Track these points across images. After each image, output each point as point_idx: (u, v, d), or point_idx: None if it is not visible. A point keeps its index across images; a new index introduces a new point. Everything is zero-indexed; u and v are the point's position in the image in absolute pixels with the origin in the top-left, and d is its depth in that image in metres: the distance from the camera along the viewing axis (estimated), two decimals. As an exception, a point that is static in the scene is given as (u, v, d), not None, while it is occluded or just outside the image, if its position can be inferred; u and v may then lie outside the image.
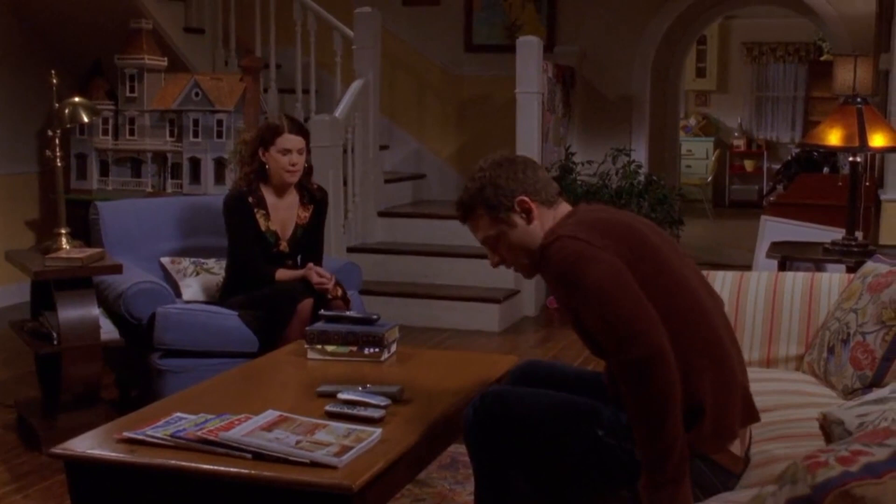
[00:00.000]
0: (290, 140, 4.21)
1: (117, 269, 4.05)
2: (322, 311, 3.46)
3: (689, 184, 12.59)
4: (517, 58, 6.46)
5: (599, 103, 7.63)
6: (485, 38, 7.72)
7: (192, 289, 4.55)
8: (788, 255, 3.88)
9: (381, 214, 6.98)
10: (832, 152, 5.73)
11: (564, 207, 2.56)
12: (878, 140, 3.60)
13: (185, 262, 4.64)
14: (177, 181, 6.38)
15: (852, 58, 6.22)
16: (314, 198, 4.40)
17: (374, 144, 6.93)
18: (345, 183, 6.52)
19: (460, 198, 2.59)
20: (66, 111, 4.04)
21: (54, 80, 4.18)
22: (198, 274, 4.61)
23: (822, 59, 12.91)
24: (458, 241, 6.68)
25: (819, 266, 5.40)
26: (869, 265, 3.23)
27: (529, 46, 6.47)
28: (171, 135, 6.41)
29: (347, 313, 3.45)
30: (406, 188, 7.61)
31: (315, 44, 7.00)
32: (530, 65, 6.45)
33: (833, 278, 3.40)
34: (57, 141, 4.14)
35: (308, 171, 4.40)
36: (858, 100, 3.71)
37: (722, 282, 3.49)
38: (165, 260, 4.65)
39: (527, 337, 6.06)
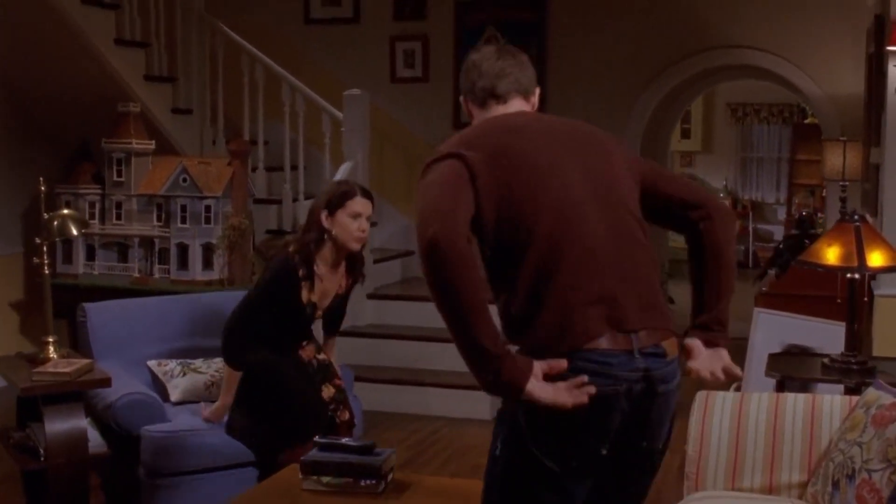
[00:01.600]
0: (362, 204, 3.99)
1: (106, 382, 3.97)
2: (317, 438, 3.39)
3: (676, 246, 12.59)
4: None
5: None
6: None
7: (179, 390, 4.49)
8: (788, 375, 3.84)
9: (371, 296, 6.92)
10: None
11: (490, 113, 2.57)
12: (876, 259, 3.58)
13: (172, 364, 4.57)
14: (164, 266, 6.32)
15: (841, 143, 6.24)
16: (356, 266, 4.21)
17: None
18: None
19: None
20: (55, 223, 3.99)
21: (42, 188, 4.12)
22: (185, 374, 4.54)
23: (806, 121, 13.00)
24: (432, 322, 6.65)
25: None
26: (871, 393, 3.19)
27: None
28: (159, 219, 6.35)
29: (344, 440, 3.39)
30: (395, 265, 7.57)
31: (304, 123, 6.98)
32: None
33: (834, 401, 3.35)
34: (45, 249, 4.08)
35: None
36: (856, 217, 3.70)
37: (722, 403, 3.44)
38: (152, 363, 4.58)
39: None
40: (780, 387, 3.85)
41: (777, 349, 5.40)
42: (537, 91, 2.68)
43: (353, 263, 4.17)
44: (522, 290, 2.36)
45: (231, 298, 5.11)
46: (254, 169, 7.00)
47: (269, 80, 7.07)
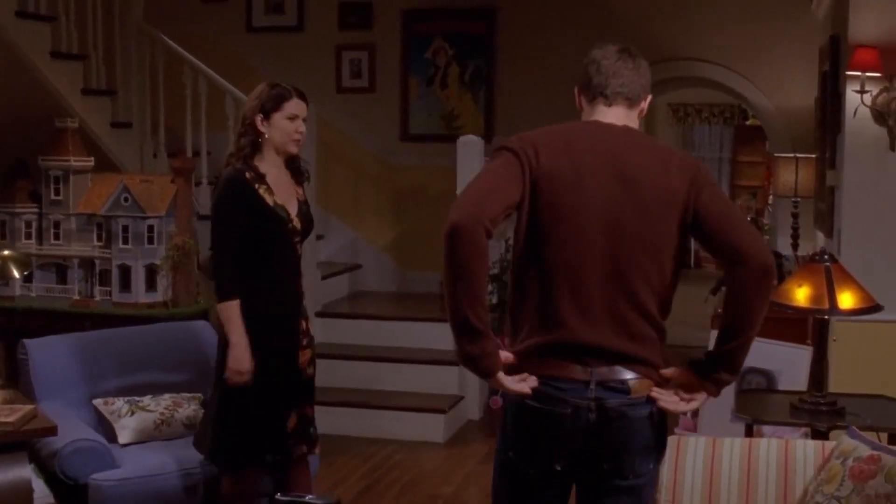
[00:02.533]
0: (297, 105, 3.79)
1: (52, 430, 3.78)
2: (279, 496, 3.24)
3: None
4: (458, 158, 6.34)
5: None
6: (421, 128, 7.60)
7: (127, 430, 4.31)
8: (758, 419, 3.78)
9: (320, 314, 6.77)
10: (779, 262, 5.69)
11: (594, 111, 2.77)
12: (846, 301, 3.54)
13: (119, 403, 4.39)
14: (105, 288, 6.09)
15: (794, 159, 6.23)
16: (302, 177, 3.99)
17: (311, 241, 6.72)
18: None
19: None
20: (-5, 266, 3.79)
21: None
22: (133, 413, 4.36)
23: (747, 123, 13.09)
24: (400, 342, 6.55)
25: (771, 384, 5.34)
26: (847, 442, 3.14)
27: (471, 146, 6.36)
28: (99, 239, 6.11)
29: (307, 498, 3.24)
30: (343, 280, 7.43)
31: (248, 138, 6.80)
32: (472, 165, 6.32)
33: (808, 448, 3.30)
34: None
35: None
36: (826, 257, 3.64)
37: (694, 449, 3.37)
38: (98, 402, 4.40)
39: (474, 449, 5.89)
40: (750, 430, 3.78)
41: (735, 372, 5.39)
42: (648, 98, 2.82)
43: (294, 168, 3.95)
44: (518, 297, 2.69)
45: (178, 329, 5.00)
46: (197, 183, 6.79)
47: (212, 89, 6.88)
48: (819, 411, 3.65)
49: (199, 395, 4.62)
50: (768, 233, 9.16)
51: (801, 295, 3.60)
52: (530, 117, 7.39)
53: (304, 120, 3.84)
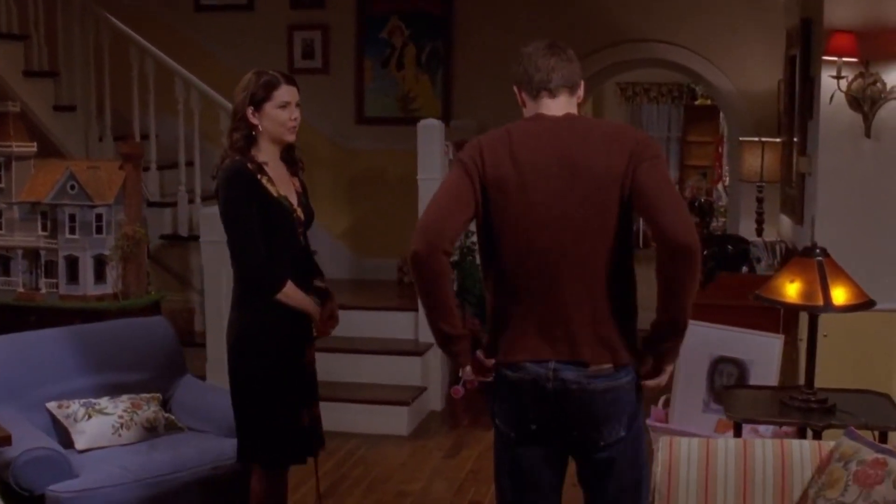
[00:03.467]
0: (288, 91, 3.58)
1: (5, 440, 3.55)
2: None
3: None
4: (419, 143, 6.15)
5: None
6: (377, 111, 7.38)
7: (85, 435, 4.09)
8: (750, 419, 3.66)
9: (276, 305, 6.54)
10: (746, 248, 5.61)
11: (539, 105, 2.91)
12: (839, 296, 3.43)
13: (75, 406, 4.16)
14: (52, 280, 5.82)
15: (759, 144, 6.14)
16: (297, 167, 3.80)
17: (267, 230, 6.50)
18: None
19: None
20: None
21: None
22: (90, 417, 4.13)
23: (696, 102, 13.05)
24: (358, 332, 6.35)
25: (743, 373, 5.26)
26: (847, 444, 3.04)
27: (431, 130, 6.17)
28: (45, 229, 5.83)
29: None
30: (297, 268, 7.21)
31: (199, 119, 6.56)
32: (433, 150, 6.15)
33: (804, 448, 3.19)
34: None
35: None
36: (818, 251, 3.53)
37: (688, 451, 3.25)
38: (52, 405, 4.16)
39: (438, 442, 5.73)
40: (738, 429, 3.67)
41: (706, 362, 5.29)
42: (582, 84, 2.98)
43: (290, 158, 3.76)
44: (488, 292, 2.94)
45: (136, 326, 4.78)
46: (145, 168, 6.53)
47: (160, 70, 6.62)
48: (810, 409, 3.55)
49: (158, 394, 4.41)
50: (725, 216, 9.13)
51: (792, 290, 3.49)
52: (489, 100, 7.26)
53: (298, 105, 3.65)
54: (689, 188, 12.13)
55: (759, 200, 6.32)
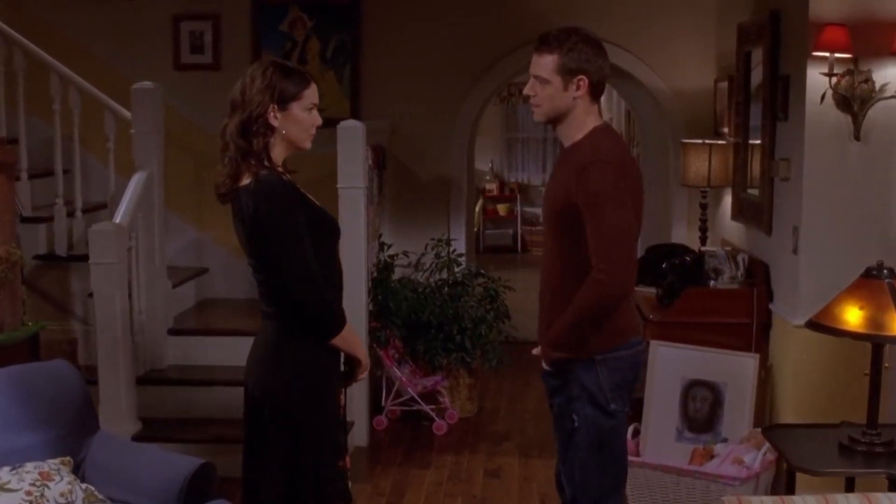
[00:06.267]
0: (315, 92, 3.05)
1: None
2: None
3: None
4: (339, 147, 5.46)
5: (413, 185, 6.78)
6: None
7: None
8: (813, 470, 3.14)
9: (173, 332, 5.75)
10: (700, 259, 5.16)
11: (596, 109, 3.13)
12: (916, 324, 2.98)
13: (-32, 479, 3.33)
14: None
15: (705, 146, 5.72)
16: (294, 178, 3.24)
17: (160, 249, 5.70)
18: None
19: (551, 33, 3.09)
20: None
21: None
22: (-15, 493, 3.32)
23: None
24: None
25: (717, 397, 4.82)
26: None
27: (352, 133, 5.49)
28: None
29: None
30: (189, 288, 6.42)
31: (80, 122, 5.72)
32: (355, 155, 5.47)
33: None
34: None
35: None
36: (885, 272, 3.07)
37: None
38: (-62, 479, 3.32)
39: (378, 486, 5.06)
40: (791, 483, 3.17)
41: (678, 386, 4.86)
42: None
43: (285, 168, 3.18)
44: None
45: (35, 372, 3.92)
46: (15, 178, 5.63)
47: (31, 66, 5.75)
48: (875, 453, 3.08)
49: (69, 458, 3.61)
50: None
51: (852, 316, 3.02)
52: (402, 99, 6.63)
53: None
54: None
55: (703, 207, 5.90)
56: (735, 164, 5.54)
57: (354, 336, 3.13)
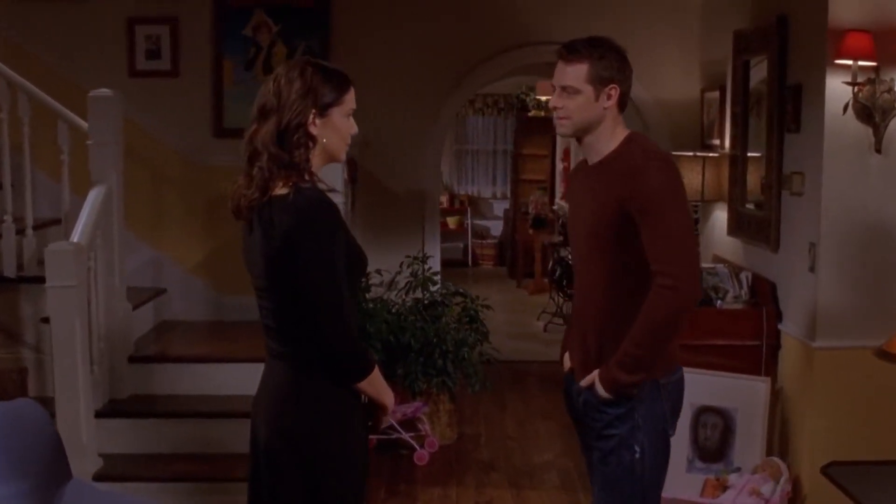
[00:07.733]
0: (354, 96, 2.73)
1: None
2: None
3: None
4: (315, 160, 5.10)
5: (385, 199, 6.44)
6: (239, 121, 6.02)
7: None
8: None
9: (134, 359, 5.32)
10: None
11: (622, 121, 2.99)
12: None
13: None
14: None
15: (699, 158, 5.48)
16: None
17: (120, 270, 5.28)
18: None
19: (582, 41, 2.90)
20: None
21: None
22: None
23: (529, 114, 12.45)
24: (224, 388, 5.22)
25: (728, 424, 4.56)
26: None
27: (329, 145, 5.13)
28: None
29: None
30: (148, 310, 5.98)
31: (29, 132, 5.28)
32: (333, 168, 5.09)
33: None
34: None
35: None
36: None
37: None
38: None
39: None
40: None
41: (688, 413, 4.59)
42: None
43: None
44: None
45: (5, 413, 3.47)
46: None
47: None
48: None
49: (40, 512, 3.19)
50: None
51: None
52: (373, 108, 6.27)
53: None
54: (533, 202, 11.50)
55: (695, 221, 5.65)
56: (732, 178, 5.30)
57: (381, 380, 2.74)
